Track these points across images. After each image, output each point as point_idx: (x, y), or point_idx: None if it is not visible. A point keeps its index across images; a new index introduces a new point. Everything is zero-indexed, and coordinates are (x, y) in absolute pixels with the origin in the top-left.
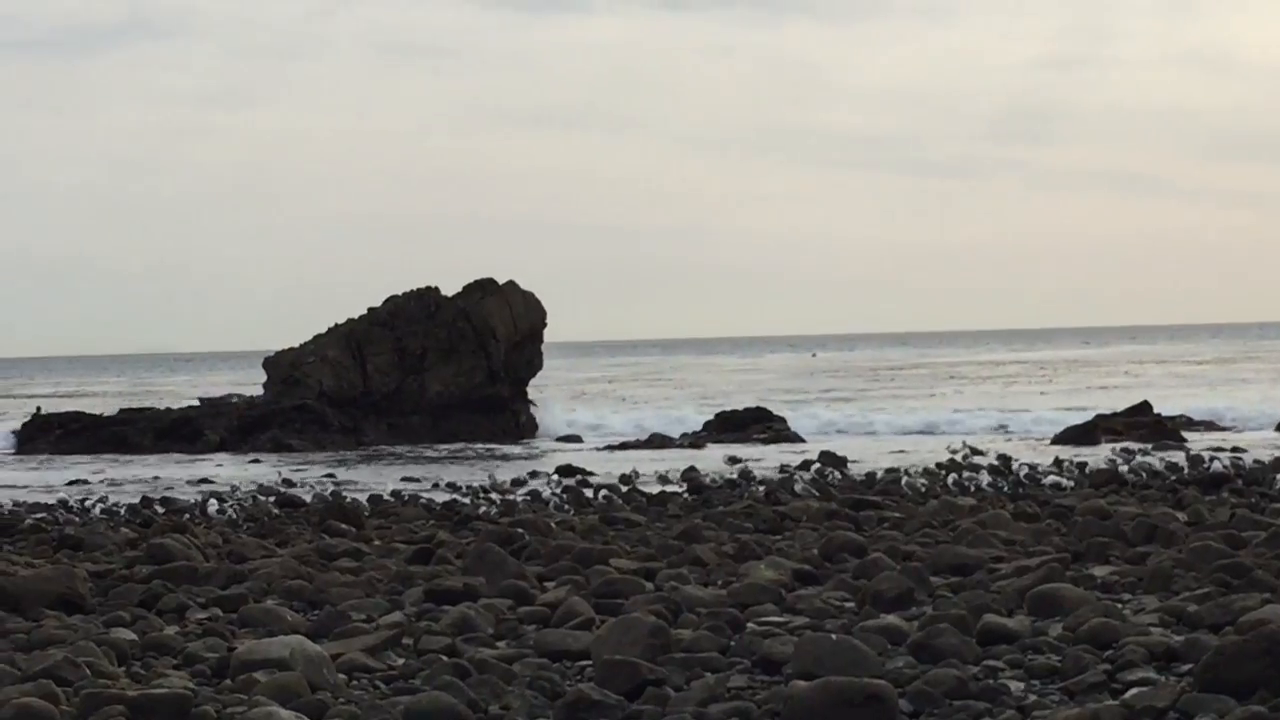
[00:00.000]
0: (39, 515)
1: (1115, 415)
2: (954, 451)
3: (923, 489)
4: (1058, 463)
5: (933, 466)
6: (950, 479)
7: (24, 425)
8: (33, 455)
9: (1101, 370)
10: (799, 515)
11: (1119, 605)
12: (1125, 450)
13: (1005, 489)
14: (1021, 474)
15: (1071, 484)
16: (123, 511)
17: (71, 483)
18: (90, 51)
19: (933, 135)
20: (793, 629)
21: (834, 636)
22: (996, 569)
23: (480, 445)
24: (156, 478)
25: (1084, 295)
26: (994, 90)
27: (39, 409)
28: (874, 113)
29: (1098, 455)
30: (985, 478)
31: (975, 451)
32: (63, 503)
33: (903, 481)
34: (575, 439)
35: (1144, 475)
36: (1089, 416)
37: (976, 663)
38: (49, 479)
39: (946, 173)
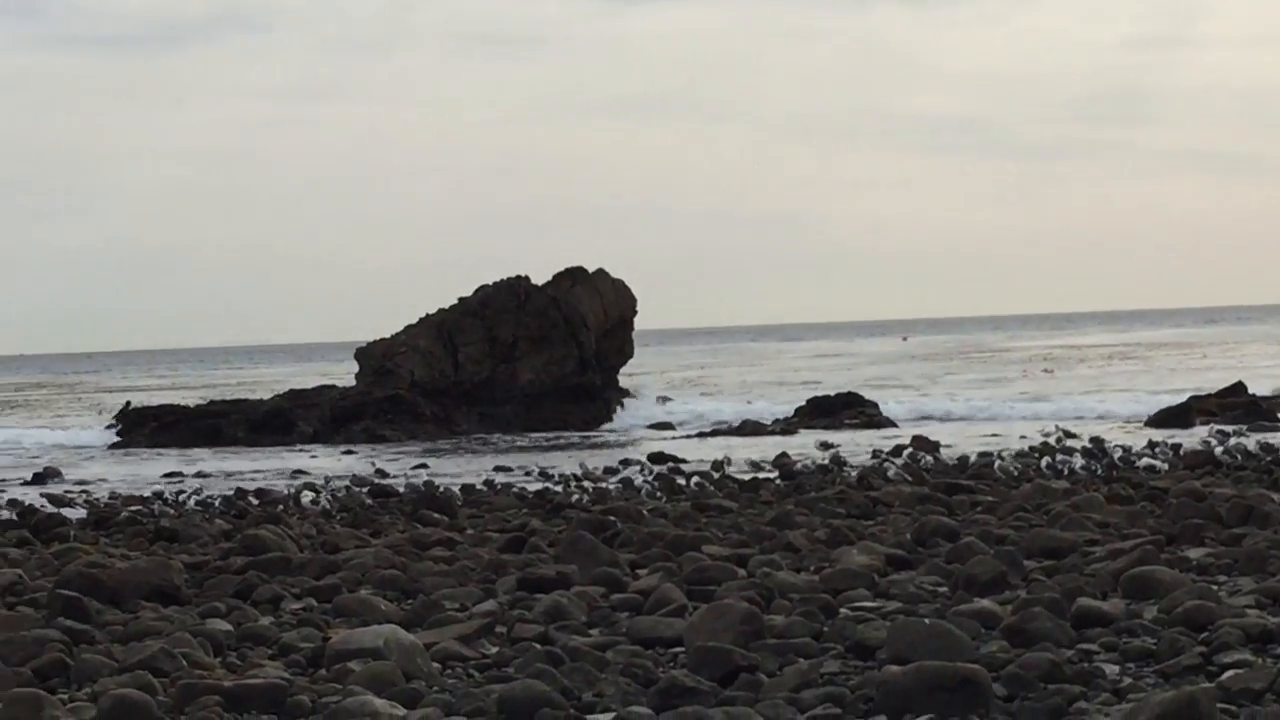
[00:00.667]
0: (135, 508)
1: (1209, 396)
2: (1046, 435)
3: (1015, 472)
4: (1151, 445)
5: (1025, 450)
6: (1043, 462)
7: (118, 418)
8: (128, 448)
9: (1195, 351)
10: (891, 500)
11: (1214, 587)
12: (1220, 432)
13: (1099, 472)
14: (1115, 456)
15: (1166, 466)
16: (217, 503)
17: (166, 475)
18: (180, 46)
19: (1023, 118)
20: (886, 614)
21: (927, 621)
22: (1090, 552)
23: (572, 433)
24: (251, 470)
25: (1177, 276)
26: (1083, 71)
27: (128, 403)
28: (964, 96)
29: (1192, 437)
30: (1079, 461)
31: (1068, 434)
32: (158, 495)
33: (995, 465)
34: (667, 426)
35: (1239, 457)
36: (1183, 398)
37: (1071, 646)
38: (144, 471)
39: (1037, 155)
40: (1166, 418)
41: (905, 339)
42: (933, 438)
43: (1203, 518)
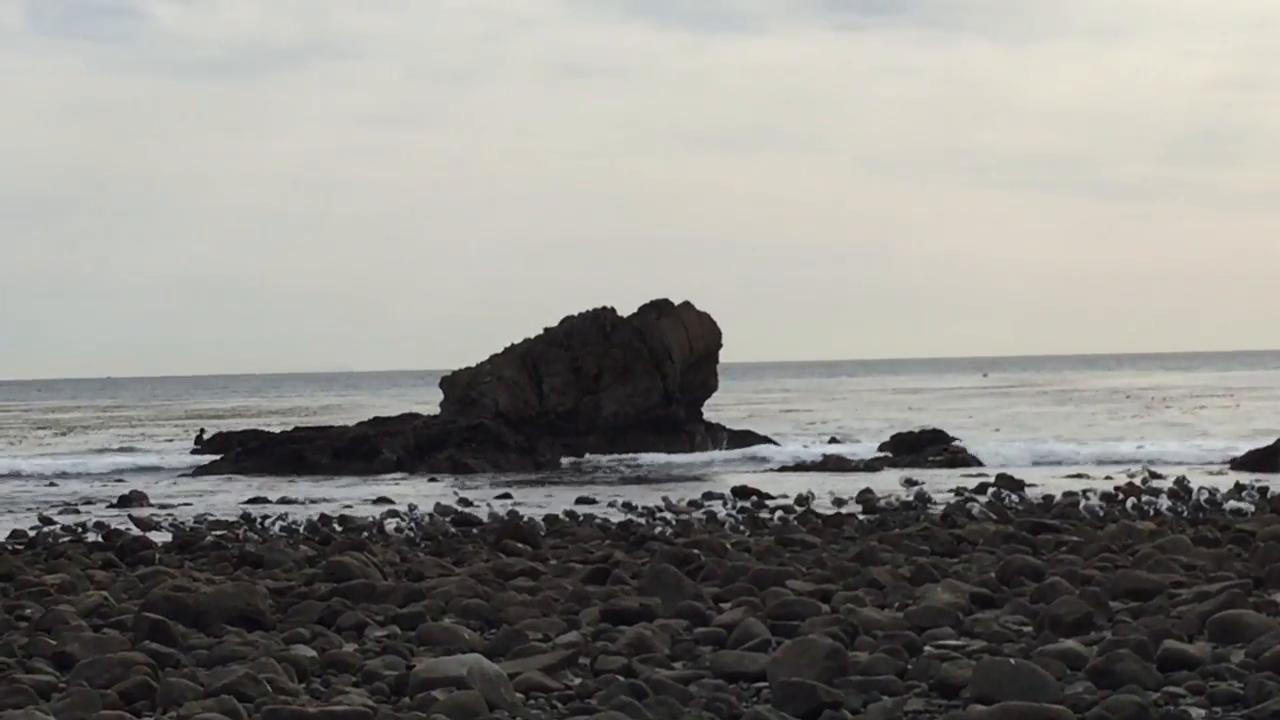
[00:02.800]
0: (219, 532)
1: None
2: (1132, 475)
3: (1101, 513)
4: (1238, 487)
5: (1111, 490)
6: (1129, 503)
7: (204, 443)
8: (213, 473)
9: None
10: (976, 538)
11: None
12: None
13: (1185, 513)
14: (1201, 498)
15: (1253, 509)
16: (301, 529)
17: (251, 500)
18: (269, 73)
19: (1111, 156)
20: (970, 652)
21: (1013, 661)
22: (1177, 594)
23: (656, 464)
24: (335, 497)
25: (1265, 318)
26: (1173, 111)
27: (202, 430)
28: (1052, 133)
29: None
30: (1165, 502)
31: (1154, 475)
32: (244, 519)
33: (1081, 505)
34: (751, 460)
35: None
36: (1271, 440)
37: (1157, 689)
38: (229, 496)
39: (1125, 194)
40: (1254, 460)
41: (986, 375)
42: (1017, 476)
43: None
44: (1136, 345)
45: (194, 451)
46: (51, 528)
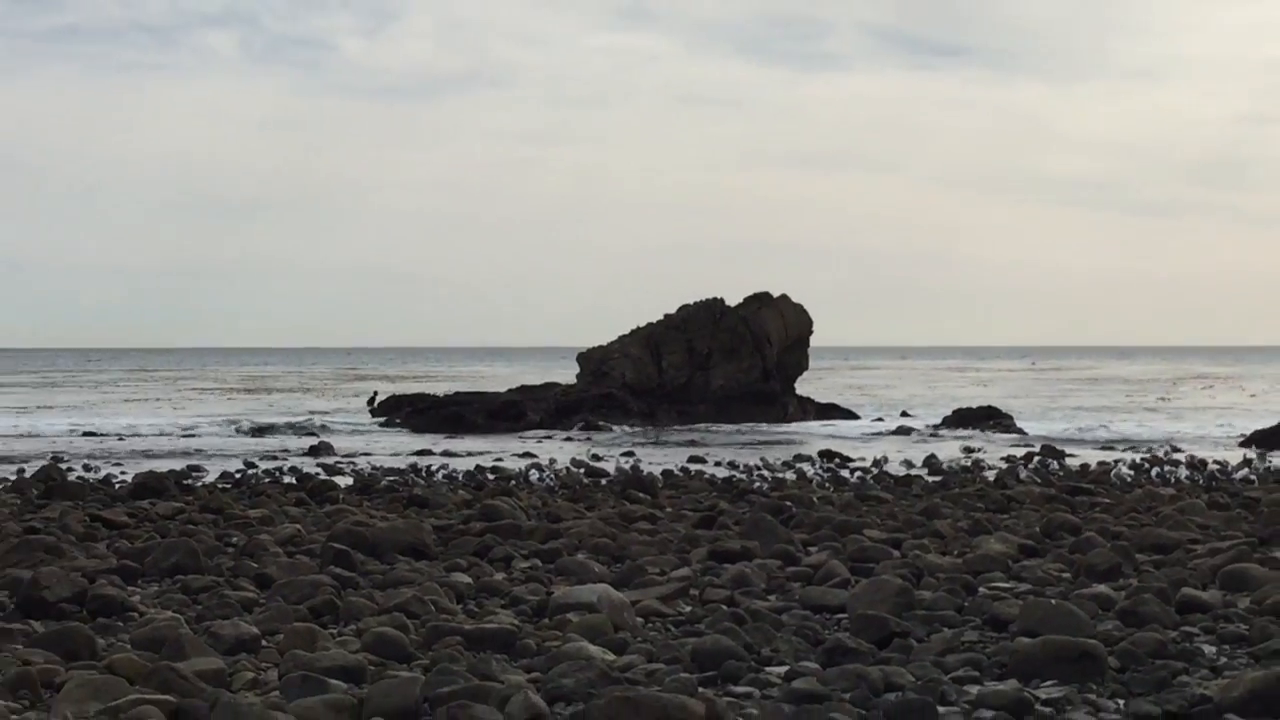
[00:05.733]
0: (392, 478)
1: None
2: (1156, 448)
3: (1129, 480)
4: (1246, 461)
5: (1138, 461)
6: (1153, 472)
7: (380, 405)
8: (387, 428)
9: None
10: (1023, 498)
11: None
12: None
13: (1200, 482)
14: (1214, 469)
15: (1257, 479)
16: (460, 477)
17: (418, 452)
18: (436, 97)
19: (1142, 179)
20: (1018, 594)
21: (1053, 601)
22: (1193, 549)
23: (755, 430)
24: (488, 451)
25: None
26: (1196, 141)
27: (375, 393)
28: (1091, 159)
29: None
30: (1183, 471)
31: (1175, 449)
32: (412, 468)
33: (1112, 473)
34: (835, 428)
35: None
36: (1274, 422)
37: (1175, 628)
38: (400, 448)
39: (1153, 212)
40: (1260, 438)
41: (1034, 363)
42: (1058, 447)
43: None
44: (1163, 339)
45: (371, 412)
46: (254, 471)
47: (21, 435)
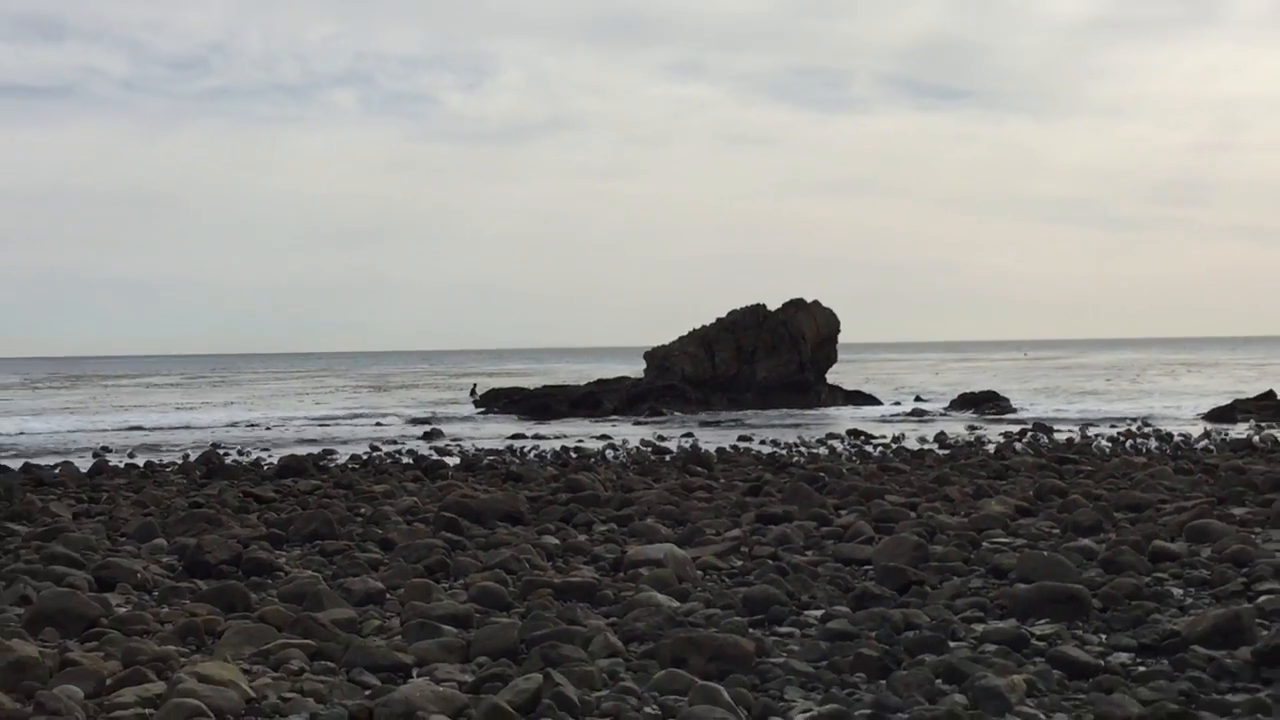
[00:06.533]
0: (492, 457)
1: (1249, 400)
2: (1130, 424)
3: (1108, 450)
4: (1206, 433)
5: (1115, 435)
6: (1128, 444)
7: (475, 396)
8: (487, 416)
9: (1238, 366)
10: (1019, 467)
11: (1253, 535)
12: (1256, 425)
13: (1168, 451)
14: (1179, 441)
15: (1215, 449)
16: (548, 456)
17: (513, 436)
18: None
19: (1113, 199)
20: (1015, 547)
21: (1045, 553)
22: (1162, 508)
23: (793, 414)
24: (571, 434)
25: (1225, 312)
26: (1158, 166)
27: (475, 385)
28: (1071, 182)
29: (1236, 429)
30: (1153, 443)
31: (1146, 424)
32: (509, 449)
33: (1093, 445)
34: (860, 412)
35: (1270, 444)
36: (1228, 400)
37: (1148, 574)
38: (498, 432)
39: (1123, 226)
40: (1217, 414)
41: (1026, 354)
42: (1048, 424)
43: (1243, 486)
44: (1135, 331)
45: (474, 403)
46: (378, 453)
47: (186, 427)
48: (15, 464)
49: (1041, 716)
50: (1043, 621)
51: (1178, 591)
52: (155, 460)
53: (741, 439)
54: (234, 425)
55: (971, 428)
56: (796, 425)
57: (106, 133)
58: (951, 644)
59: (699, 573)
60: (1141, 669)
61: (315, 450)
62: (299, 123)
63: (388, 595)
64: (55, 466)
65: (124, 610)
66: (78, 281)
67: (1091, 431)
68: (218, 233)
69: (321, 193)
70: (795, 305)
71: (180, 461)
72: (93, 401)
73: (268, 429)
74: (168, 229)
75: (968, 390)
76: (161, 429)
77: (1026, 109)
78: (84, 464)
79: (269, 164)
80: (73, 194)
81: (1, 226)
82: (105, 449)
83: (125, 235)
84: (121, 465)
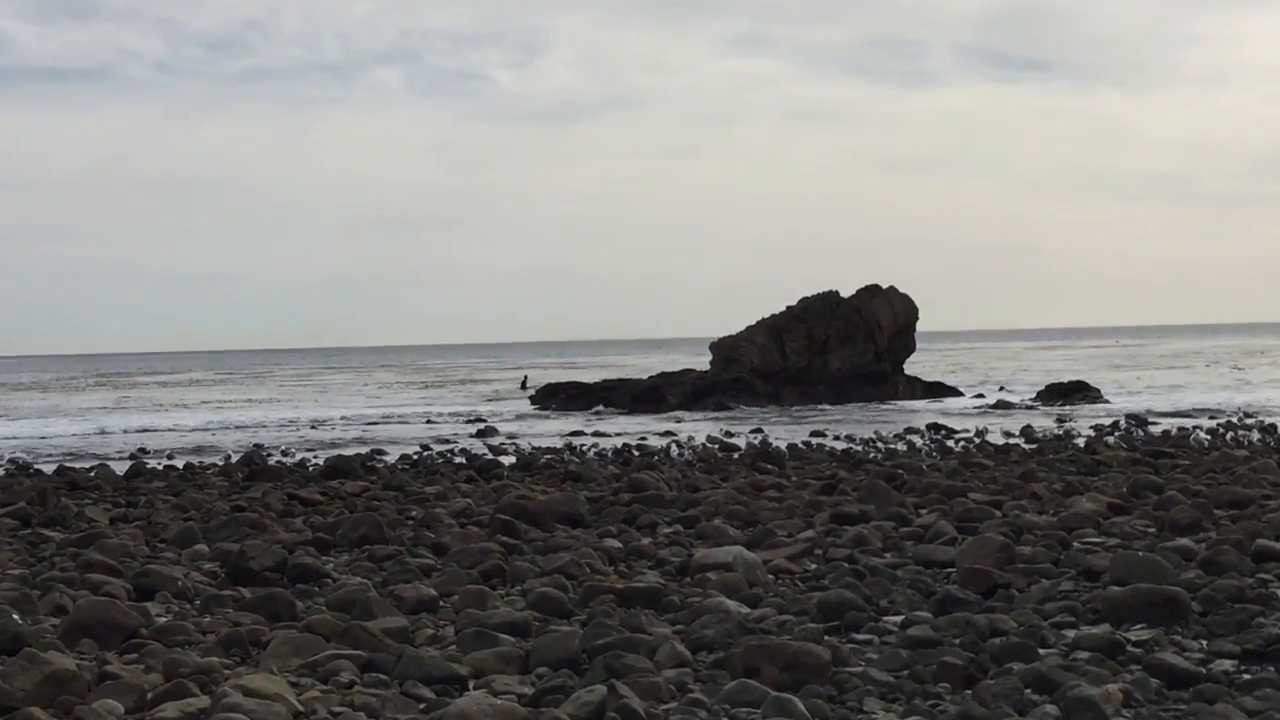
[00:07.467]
0: (549, 455)
1: None
2: (1232, 415)
3: (1207, 443)
4: None
5: (1215, 426)
6: (1229, 436)
7: (524, 388)
8: (544, 413)
9: None
10: (1111, 462)
11: None
12: None
13: (1271, 444)
14: None
15: None
16: (609, 454)
17: (572, 433)
18: (579, 119)
19: (1210, 174)
20: (1108, 547)
21: (1141, 553)
22: (1266, 504)
23: (869, 407)
24: (633, 430)
25: None
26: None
27: (525, 377)
28: (1164, 158)
29: None
30: (1256, 435)
31: (1247, 415)
32: (567, 446)
33: (1191, 437)
34: (940, 404)
35: None
36: None
37: (1251, 575)
38: (555, 429)
39: (1221, 203)
40: None
41: (1117, 341)
42: (1142, 415)
43: None
44: (1231, 316)
45: (530, 398)
46: (429, 452)
47: (227, 426)
48: (49, 467)
49: None
50: (1139, 626)
51: None
52: (195, 462)
53: (814, 434)
54: (278, 425)
55: (1060, 420)
56: (873, 419)
57: (139, 117)
58: (1041, 651)
59: (770, 577)
60: (1246, 677)
61: (363, 450)
62: (342, 104)
63: (441, 603)
64: (90, 469)
65: (164, 620)
66: (111, 275)
67: (1188, 423)
68: (258, 222)
69: (366, 178)
70: (870, 291)
71: (221, 463)
72: (129, 400)
73: (313, 428)
74: (205, 219)
75: (1055, 380)
76: (201, 429)
77: (1115, 80)
78: (120, 466)
79: (311, 148)
80: (104, 183)
81: (32, 219)
82: (143, 450)
83: (160, 226)
84: (160, 467)
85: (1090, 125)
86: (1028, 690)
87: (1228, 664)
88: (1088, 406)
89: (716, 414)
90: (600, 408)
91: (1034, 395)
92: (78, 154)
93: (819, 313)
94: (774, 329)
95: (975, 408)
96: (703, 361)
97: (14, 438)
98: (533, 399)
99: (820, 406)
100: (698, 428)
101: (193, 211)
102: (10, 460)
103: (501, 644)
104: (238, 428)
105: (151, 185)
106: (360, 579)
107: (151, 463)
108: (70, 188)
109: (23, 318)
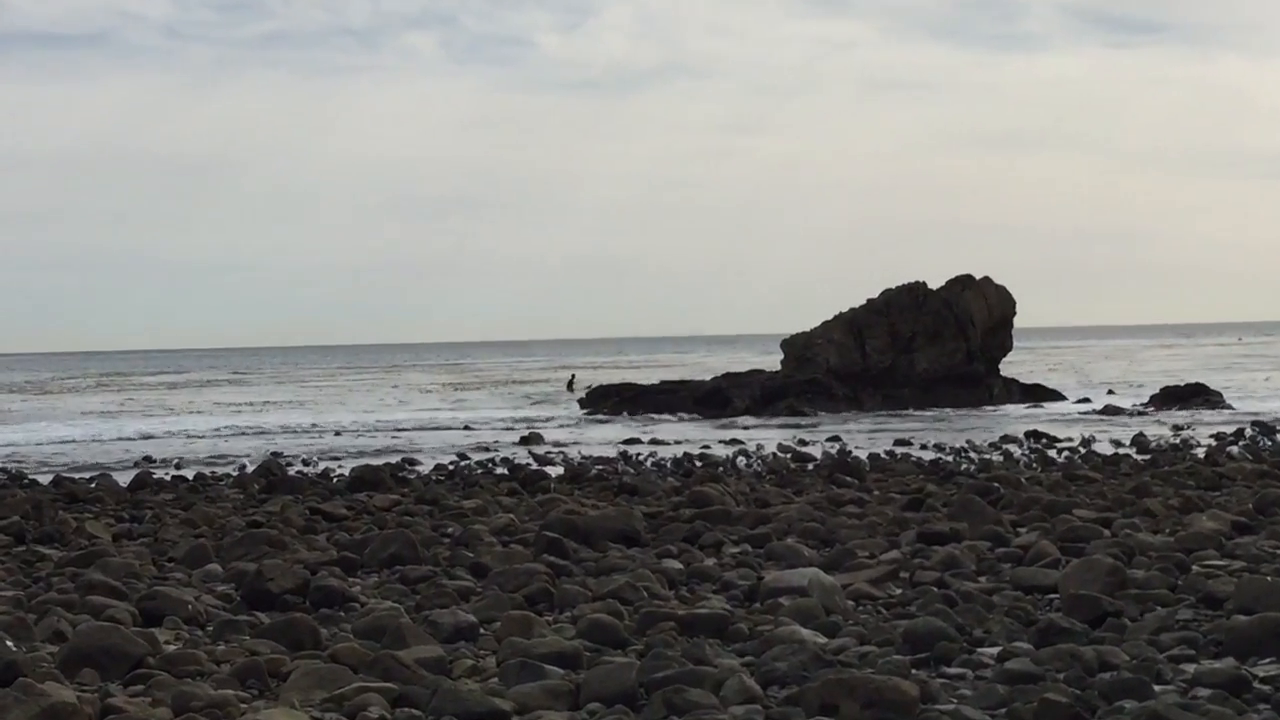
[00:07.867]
0: (601, 466)
1: None
2: None
3: None
4: None
5: None
6: None
7: (588, 394)
8: (596, 418)
9: None
10: (1235, 475)
11: None
12: None
13: None
14: None
15: None
16: (668, 464)
17: (626, 440)
18: (633, 89)
19: None
20: (1232, 571)
21: (1269, 578)
22: None
23: (960, 413)
24: (695, 438)
25: None
26: None
27: (573, 377)
28: None
29: None
30: None
31: None
32: (621, 456)
33: None
34: (1040, 409)
35: None
36: None
37: None
38: (608, 436)
39: None
40: None
41: (1240, 339)
42: (1269, 423)
43: None
44: None
45: (579, 401)
46: (467, 462)
47: (241, 432)
48: (45, 477)
49: None
50: (1266, 661)
51: None
52: (207, 472)
53: (898, 443)
54: (298, 430)
55: (1176, 428)
56: (964, 426)
57: (144, 88)
58: (1156, 688)
59: (850, 603)
60: None
61: (393, 459)
62: (369, 73)
63: (481, 630)
64: (91, 479)
65: (173, 648)
66: (113, 264)
67: None
68: (275, 205)
69: (397, 156)
70: (961, 283)
71: (236, 473)
72: (133, 403)
73: (337, 434)
74: (217, 201)
75: (1170, 383)
76: (213, 435)
77: (1238, 44)
78: (124, 477)
79: (334, 123)
80: (104, 161)
81: (25, 201)
82: (148, 459)
83: (167, 209)
84: (168, 478)
85: (1210, 96)
86: None
87: None
88: (1208, 412)
89: (788, 420)
90: (658, 413)
91: (1146, 400)
92: (75, 129)
93: (903, 307)
94: (853, 325)
95: (1080, 413)
96: (773, 361)
97: (7, 445)
98: (582, 402)
99: (905, 411)
100: (767, 435)
101: (203, 194)
102: (2, 470)
103: (549, 676)
104: (254, 434)
105: (156, 164)
106: (391, 603)
107: (158, 473)
108: (66, 167)
109: (16, 311)
